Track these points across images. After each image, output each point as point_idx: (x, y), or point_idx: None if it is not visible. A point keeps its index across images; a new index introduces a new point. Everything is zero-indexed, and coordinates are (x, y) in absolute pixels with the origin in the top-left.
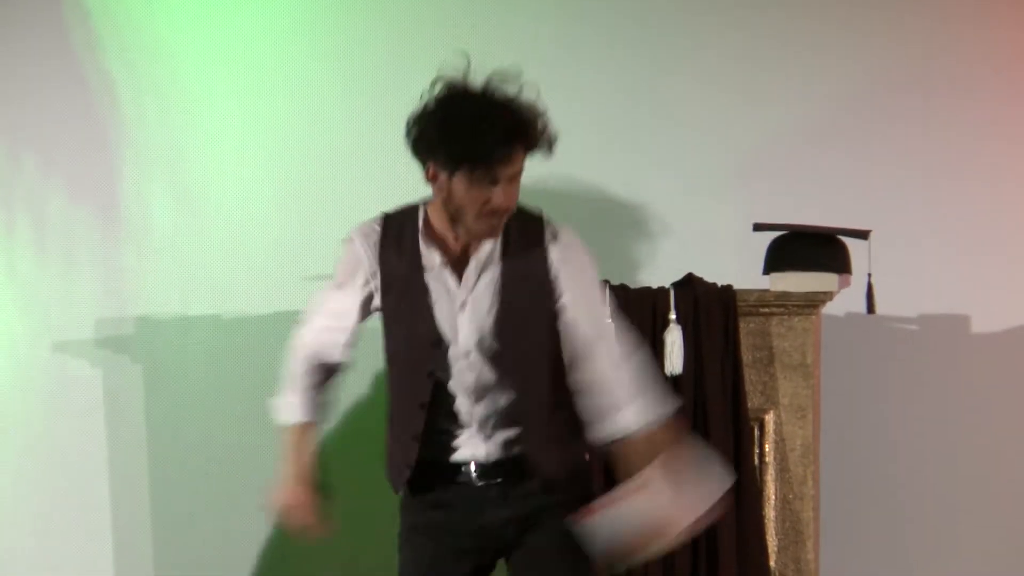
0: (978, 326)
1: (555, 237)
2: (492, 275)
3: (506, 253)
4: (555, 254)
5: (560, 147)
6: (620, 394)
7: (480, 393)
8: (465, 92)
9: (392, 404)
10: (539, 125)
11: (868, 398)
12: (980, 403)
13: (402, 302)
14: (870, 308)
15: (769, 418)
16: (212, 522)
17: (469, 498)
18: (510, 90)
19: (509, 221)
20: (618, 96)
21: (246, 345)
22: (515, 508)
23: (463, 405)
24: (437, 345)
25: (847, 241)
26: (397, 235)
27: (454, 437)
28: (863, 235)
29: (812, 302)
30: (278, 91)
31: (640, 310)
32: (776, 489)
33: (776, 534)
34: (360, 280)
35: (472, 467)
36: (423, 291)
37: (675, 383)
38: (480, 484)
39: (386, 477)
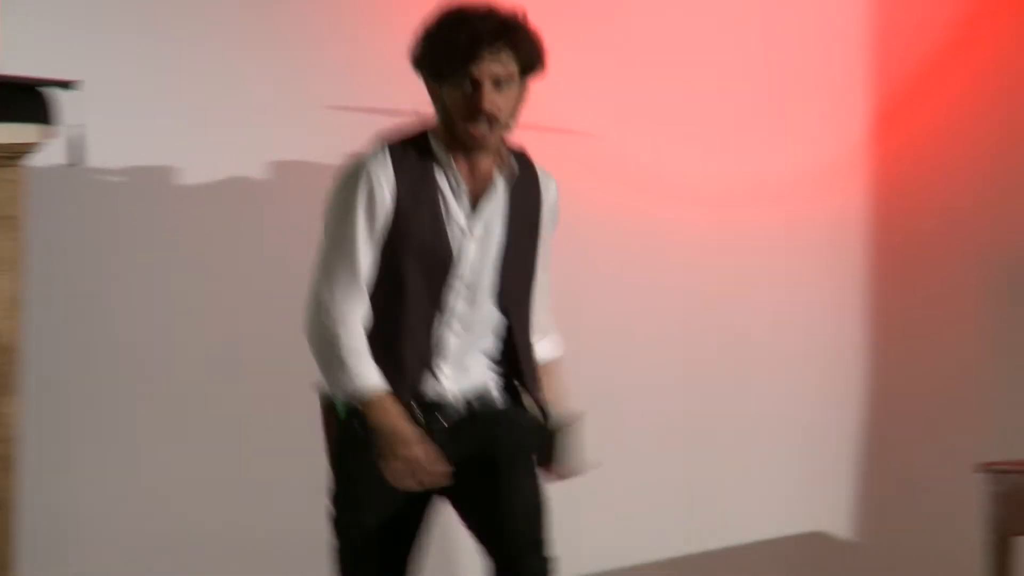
0: (186, 178)
1: (547, 182)
2: (499, 206)
3: (513, 187)
4: (549, 199)
5: None
6: (545, 325)
7: (469, 325)
8: (455, 7)
9: (389, 325)
10: (523, 31)
11: (76, 251)
12: (181, 258)
13: (414, 222)
14: (76, 159)
15: None
16: None
17: (438, 431)
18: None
19: (515, 156)
20: None
21: None
22: (472, 446)
23: (453, 336)
24: (446, 268)
25: (53, 91)
26: (406, 160)
27: (438, 367)
28: (68, 85)
29: (14, 154)
30: None
31: None
32: None
33: None
34: (380, 223)
35: (448, 402)
36: (438, 213)
37: None
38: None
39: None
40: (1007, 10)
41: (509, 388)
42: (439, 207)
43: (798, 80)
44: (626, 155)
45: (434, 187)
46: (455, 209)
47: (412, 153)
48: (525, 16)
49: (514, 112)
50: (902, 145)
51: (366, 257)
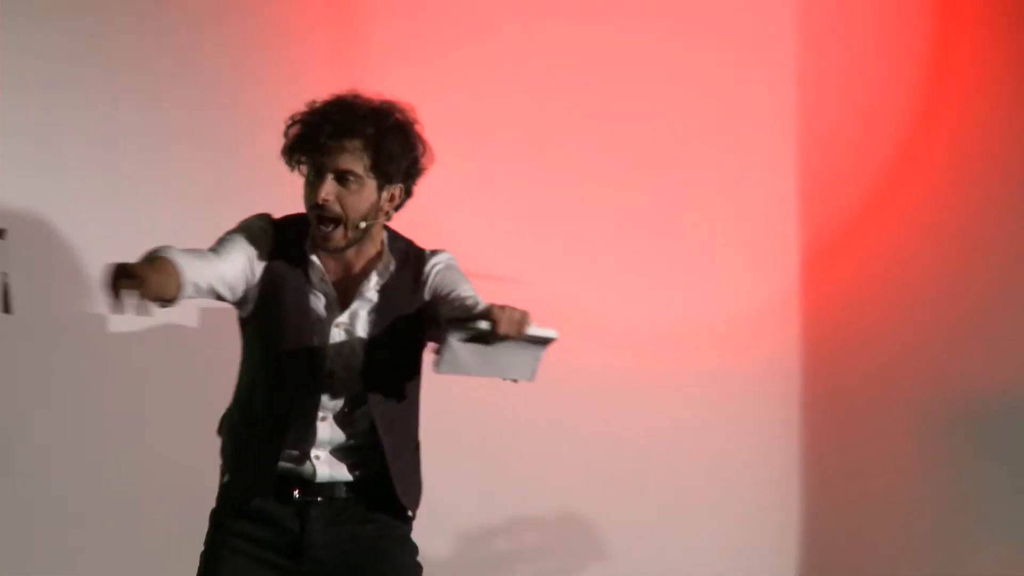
0: (114, 325)
1: (431, 260)
2: (370, 302)
3: (387, 282)
4: (431, 276)
5: None
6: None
7: (340, 416)
8: (332, 96)
9: (250, 408)
10: (388, 127)
11: (4, 398)
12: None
13: (282, 310)
14: (4, 307)
15: None
16: None
17: (303, 516)
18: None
19: (399, 250)
20: None
21: None
22: (343, 531)
23: (324, 424)
24: (311, 362)
25: None
26: (286, 242)
27: (307, 453)
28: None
29: None
30: None
31: None
32: None
33: None
34: (245, 263)
35: (316, 485)
36: (306, 306)
37: None
38: (317, 502)
39: (226, 479)
40: (936, 152)
41: (380, 486)
42: (303, 296)
43: (728, 226)
44: (555, 301)
45: (300, 278)
46: (316, 303)
47: (291, 238)
48: (405, 114)
49: (367, 212)
50: (833, 291)
51: (231, 261)
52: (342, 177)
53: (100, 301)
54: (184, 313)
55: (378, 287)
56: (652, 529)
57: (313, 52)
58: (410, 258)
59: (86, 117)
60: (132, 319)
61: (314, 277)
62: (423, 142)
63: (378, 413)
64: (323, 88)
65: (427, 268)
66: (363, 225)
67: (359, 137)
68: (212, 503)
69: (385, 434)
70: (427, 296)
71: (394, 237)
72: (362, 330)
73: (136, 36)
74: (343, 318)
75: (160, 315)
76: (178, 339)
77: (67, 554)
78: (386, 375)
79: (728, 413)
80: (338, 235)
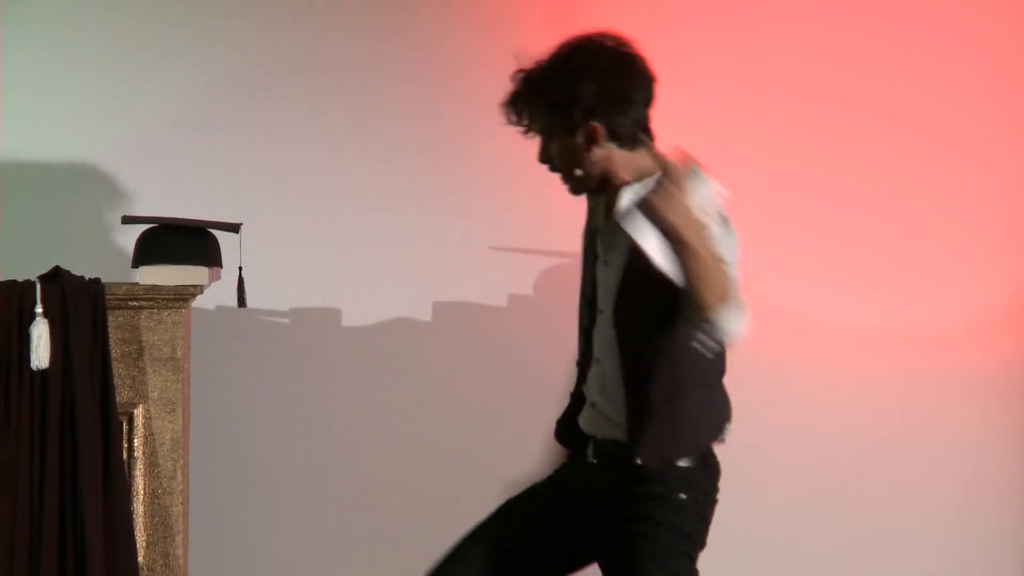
0: (349, 319)
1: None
2: (625, 236)
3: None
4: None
5: None
6: None
7: (603, 359)
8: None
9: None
10: (540, 79)
11: (240, 391)
12: (353, 394)
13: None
14: (241, 301)
15: (139, 412)
16: None
17: (583, 473)
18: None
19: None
20: None
21: None
22: (605, 502)
23: (594, 370)
24: (588, 302)
25: (218, 234)
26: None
27: (585, 403)
28: (234, 228)
29: (181, 295)
30: None
31: (7, 303)
32: (145, 484)
33: (145, 529)
34: None
35: (591, 442)
36: (587, 246)
37: (43, 378)
38: (592, 462)
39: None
40: None
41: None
42: (587, 240)
43: (967, 225)
44: (783, 300)
45: (588, 222)
46: (595, 241)
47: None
48: (583, 52)
49: (572, 160)
50: None
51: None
52: (541, 137)
53: (331, 295)
54: (416, 306)
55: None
56: (883, 532)
57: None
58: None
59: (325, 119)
60: (365, 312)
61: (591, 218)
62: (615, 70)
63: (629, 350)
64: None
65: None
66: (579, 172)
67: (530, 95)
68: (450, 496)
69: (631, 377)
70: None
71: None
72: (614, 264)
73: (389, 44)
74: (600, 251)
75: (392, 308)
76: (410, 331)
77: (307, 554)
78: (634, 308)
79: (961, 416)
80: (569, 186)
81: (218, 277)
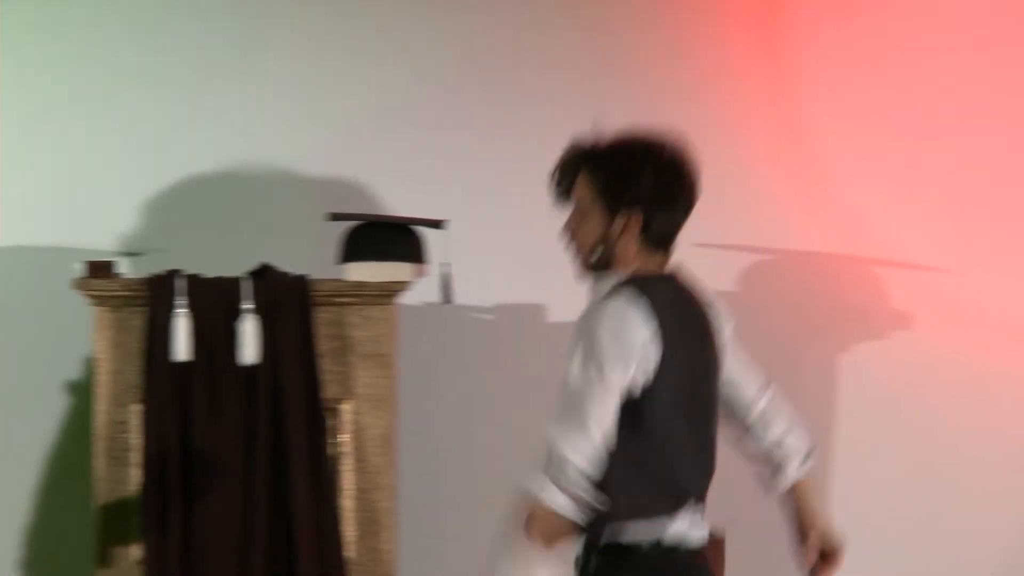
0: (554, 315)
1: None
2: None
3: None
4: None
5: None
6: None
7: None
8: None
9: None
10: (606, 152)
11: (445, 387)
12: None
13: None
14: (446, 298)
15: (346, 408)
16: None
17: None
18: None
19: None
20: (162, 91)
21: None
22: None
23: None
24: None
25: (424, 231)
26: None
27: None
28: (439, 224)
29: (388, 292)
30: None
31: (215, 300)
32: (353, 479)
33: (353, 524)
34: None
35: None
36: None
37: (251, 373)
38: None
39: None
40: None
41: None
42: None
43: None
44: (975, 292)
45: None
46: None
47: None
48: (651, 145)
49: (597, 239)
50: None
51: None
52: (577, 207)
53: (536, 291)
54: None
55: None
56: None
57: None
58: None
59: (534, 113)
60: (570, 308)
61: None
62: (675, 173)
63: None
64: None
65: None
66: (598, 254)
67: (588, 165)
68: None
69: None
70: None
71: (636, 280)
72: None
73: (597, 36)
74: None
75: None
76: None
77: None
78: None
79: None
80: (576, 261)
81: (424, 274)
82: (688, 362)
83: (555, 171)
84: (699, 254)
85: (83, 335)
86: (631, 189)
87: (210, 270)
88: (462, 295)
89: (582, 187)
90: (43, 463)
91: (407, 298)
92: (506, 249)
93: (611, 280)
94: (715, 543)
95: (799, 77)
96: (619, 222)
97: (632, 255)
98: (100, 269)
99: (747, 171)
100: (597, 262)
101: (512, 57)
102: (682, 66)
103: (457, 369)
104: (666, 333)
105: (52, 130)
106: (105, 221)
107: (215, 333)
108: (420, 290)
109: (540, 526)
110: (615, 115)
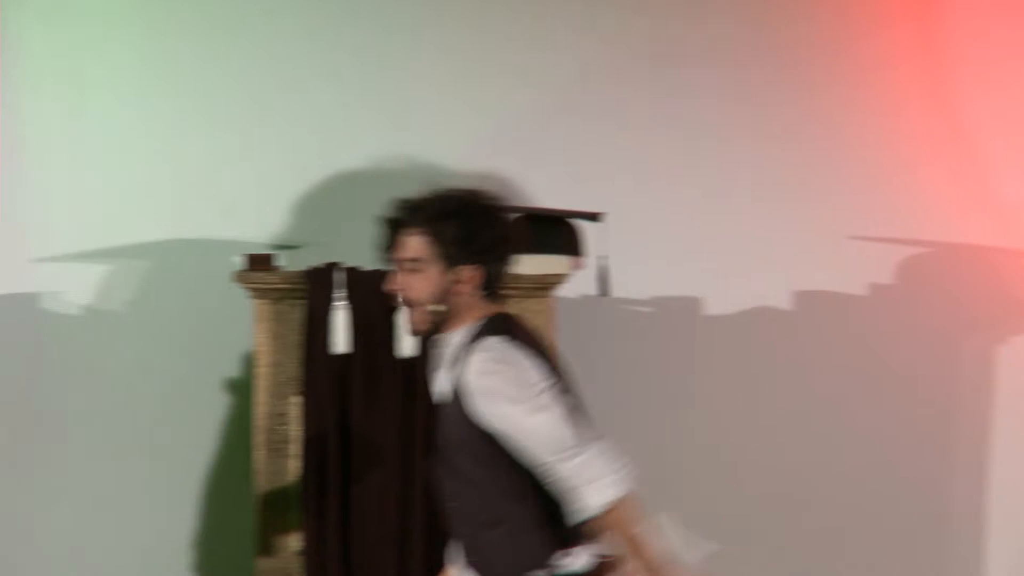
0: (709, 308)
1: (470, 361)
2: (444, 381)
3: (452, 362)
4: (467, 378)
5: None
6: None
7: (444, 500)
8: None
9: None
10: (436, 209)
11: (603, 380)
12: (712, 384)
13: None
14: (603, 290)
15: None
16: None
17: None
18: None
19: (470, 338)
20: (322, 84)
21: None
22: None
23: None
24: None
25: (582, 224)
26: None
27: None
28: (596, 217)
29: (546, 284)
30: None
31: (373, 292)
32: None
33: None
34: None
35: None
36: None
37: (409, 366)
38: None
39: None
40: None
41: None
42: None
43: None
44: None
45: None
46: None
47: None
48: (478, 199)
49: (433, 293)
50: None
51: None
52: (408, 264)
53: (691, 284)
54: (775, 295)
55: (449, 359)
56: None
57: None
58: (472, 335)
59: (684, 107)
60: (724, 301)
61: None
62: (505, 226)
63: (452, 495)
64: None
65: (471, 357)
66: (437, 308)
67: (419, 224)
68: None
69: (458, 517)
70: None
71: (490, 323)
72: (441, 403)
73: (742, 29)
74: (436, 392)
75: (751, 297)
76: (769, 321)
77: None
78: (449, 454)
79: None
80: (415, 317)
81: (581, 266)
82: (565, 390)
83: (397, 217)
84: (858, 248)
85: (238, 328)
86: (475, 243)
87: (367, 264)
88: (619, 287)
89: (417, 244)
90: (203, 455)
91: (564, 290)
92: (663, 242)
93: (462, 331)
94: None
95: (957, 70)
96: (465, 275)
97: (473, 305)
98: (260, 262)
99: (906, 165)
100: (437, 318)
101: (673, 51)
102: (841, 61)
103: (614, 361)
104: (546, 364)
105: (208, 124)
106: (259, 215)
107: (373, 325)
108: (577, 283)
109: (625, 518)
110: (773, 110)
